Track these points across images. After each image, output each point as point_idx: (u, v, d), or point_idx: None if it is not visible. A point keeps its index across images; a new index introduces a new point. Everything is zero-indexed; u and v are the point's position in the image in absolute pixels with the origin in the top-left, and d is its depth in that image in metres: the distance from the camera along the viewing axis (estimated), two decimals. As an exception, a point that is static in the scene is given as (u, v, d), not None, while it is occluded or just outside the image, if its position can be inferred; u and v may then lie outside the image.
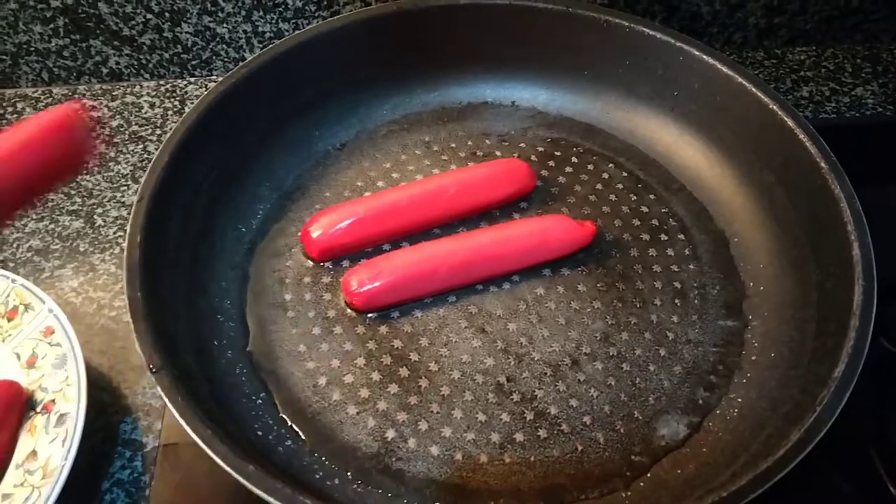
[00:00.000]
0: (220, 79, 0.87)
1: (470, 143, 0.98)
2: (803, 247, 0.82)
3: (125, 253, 0.72)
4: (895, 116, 1.15)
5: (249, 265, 0.85)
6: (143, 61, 1.15)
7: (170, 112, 1.13)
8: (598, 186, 0.94)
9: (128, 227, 0.74)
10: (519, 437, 0.75)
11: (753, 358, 0.80)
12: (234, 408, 0.73)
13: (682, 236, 0.90)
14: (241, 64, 0.88)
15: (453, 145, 0.98)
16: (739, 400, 0.77)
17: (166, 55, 1.14)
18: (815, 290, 0.79)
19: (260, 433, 0.73)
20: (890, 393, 0.83)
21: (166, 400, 0.63)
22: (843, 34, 1.24)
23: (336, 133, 0.95)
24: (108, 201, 1.02)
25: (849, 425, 0.76)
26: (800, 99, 1.17)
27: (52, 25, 1.08)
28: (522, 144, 0.98)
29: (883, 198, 0.97)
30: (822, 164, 0.81)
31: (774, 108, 0.86)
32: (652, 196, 0.94)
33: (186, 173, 0.81)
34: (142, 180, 0.77)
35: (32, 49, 1.10)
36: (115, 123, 1.11)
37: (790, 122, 0.84)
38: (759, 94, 0.87)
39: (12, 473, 0.73)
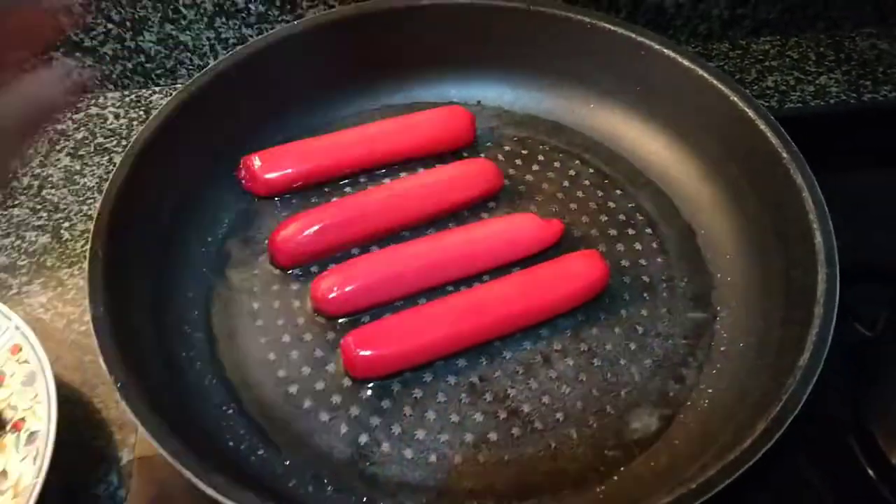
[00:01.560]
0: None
1: (436, 143, 0.98)
2: (768, 237, 0.83)
3: (87, 268, 0.71)
4: (858, 104, 1.17)
5: (216, 275, 0.85)
6: (106, 72, 1.14)
7: (135, 122, 1.12)
8: (566, 184, 0.95)
9: (88, 243, 0.73)
10: (493, 436, 0.75)
11: (723, 349, 0.80)
12: (204, 419, 0.73)
13: (649, 230, 0.90)
14: (202, 71, 0.88)
15: (419, 146, 0.98)
16: (710, 391, 0.77)
17: (129, 65, 1.14)
18: (781, 278, 0.79)
19: (231, 443, 0.72)
20: (865, 376, 0.83)
21: (131, 414, 0.63)
22: (805, 23, 1.25)
23: (300, 136, 0.93)
24: (75, 215, 1.01)
25: (825, 410, 0.78)
26: (765, 89, 1.18)
27: (10, 39, 1.07)
28: (489, 144, 0.98)
29: (850, 185, 0.97)
30: (784, 154, 0.81)
31: (735, 99, 0.86)
32: (619, 191, 0.94)
33: (148, 185, 0.80)
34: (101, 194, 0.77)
35: (-8, 63, 1.09)
36: (79, 136, 1.10)
37: (751, 114, 0.85)
38: (721, 86, 0.88)
39: (-17, 494, 0.73)
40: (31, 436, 0.75)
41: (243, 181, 0.91)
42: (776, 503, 0.77)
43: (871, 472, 0.77)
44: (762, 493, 0.75)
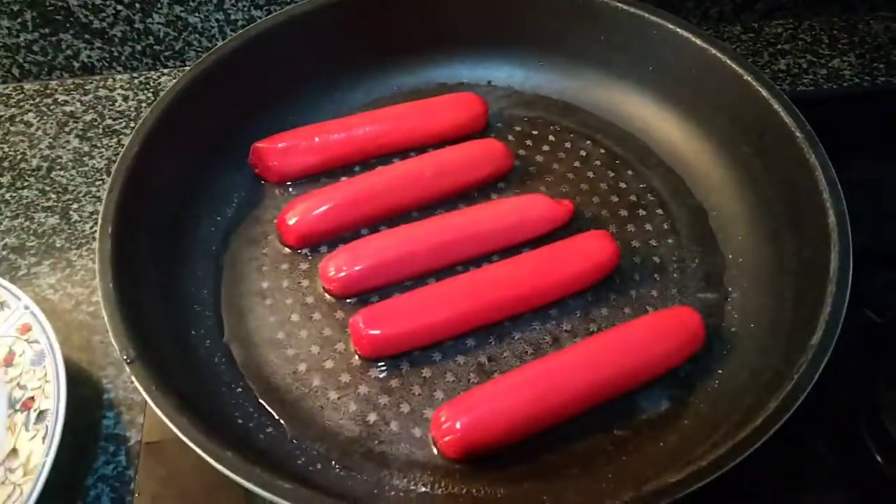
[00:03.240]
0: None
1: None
2: (780, 217, 0.82)
3: (97, 244, 0.71)
4: (872, 87, 1.16)
5: (225, 254, 0.85)
6: (115, 54, 1.14)
7: (143, 104, 1.12)
8: (576, 164, 0.94)
9: (99, 219, 0.73)
10: (501, 416, 0.75)
11: (733, 329, 0.80)
12: (214, 397, 0.73)
13: (660, 211, 0.90)
14: (210, 50, 0.87)
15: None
16: (720, 371, 0.77)
17: (138, 47, 1.14)
18: (793, 259, 0.79)
19: (240, 421, 0.72)
20: (876, 363, 0.83)
21: (142, 390, 0.63)
22: (819, 6, 1.24)
23: (311, 118, 0.93)
24: (84, 196, 1.01)
25: (836, 396, 0.76)
26: (777, 72, 1.17)
27: (19, 20, 1.07)
28: (499, 124, 0.98)
29: (862, 168, 0.96)
30: (798, 134, 0.81)
31: (749, 79, 0.86)
32: (630, 172, 0.93)
33: (158, 162, 0.80)
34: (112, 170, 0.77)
35: (1, 44, 1.09)
36: (88, 118, 1.10)
37: (765, 93, 0.84)
38: (734, 65, 0.87)
39: (-7, 472, 0.73)
40: (41, 415, 0.75)
41: (255, 169, 0.90)
42: (788, 483, 0.76)
43: (879, 457, 0.77)
44: (773, 472, 0.74)
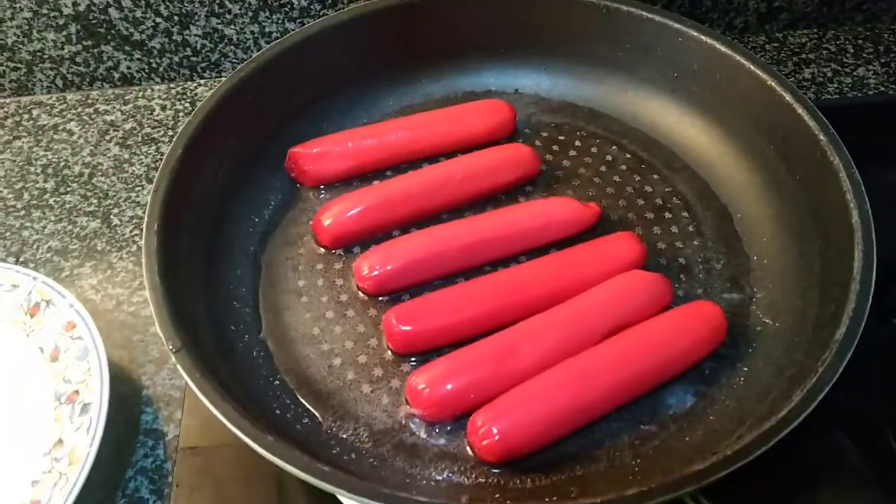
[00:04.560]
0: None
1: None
2: (805, 218, 0.83)
3: (143, 239, 0.74)
4: (898, 95, 1.16)
5: (263, 254, 0.87)
6: (154, 65, 1.17)
7: (181, 114, 1.15)
8: (602, 168, 0.96)
9: (145, 216, 0.76)
10: (530, 411, 0.76)
11: (758, 328, 0.81)
12: (252, 388, 0.75)
13: (685, 214, 0.91)
14: (249, 59, 0.90)
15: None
16: (745, 368, 0.78)
17: (176, 58, 1.17)
18: (818, 259, 0.80)
19: (278, 412, 0.75)
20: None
21: (187, 378, 0.65)
22: (843, 16, 1.25)
23: (344, 125, 0.96)
24: (124, 201, 1.04)
25: (863, 407, 0.78)
26: (802, 81, 1.18)
27: (64, 32, 1.11)
28: (527, 130, 0.99)
29: (888, 177, 0.97)
30: (821, 137, 0.82)
31: (773, 84, 0.87)
32: (655, 176, 0.95)
33: (199, 165, 0.83)
34: (157, 172, 0.80)
35: (46, 56, 1.13)
36: (127, 126, 1.13)
37: (788, 98, 0.86)
38: (758, 71, 0.88)
39: (40, 461, 0.76)
40: (85, 407, 0.78)
41: (290, 173, 0.93)
42: (814, 472, 0.77)
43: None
44: (798, 466, 0.75)
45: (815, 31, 1.25)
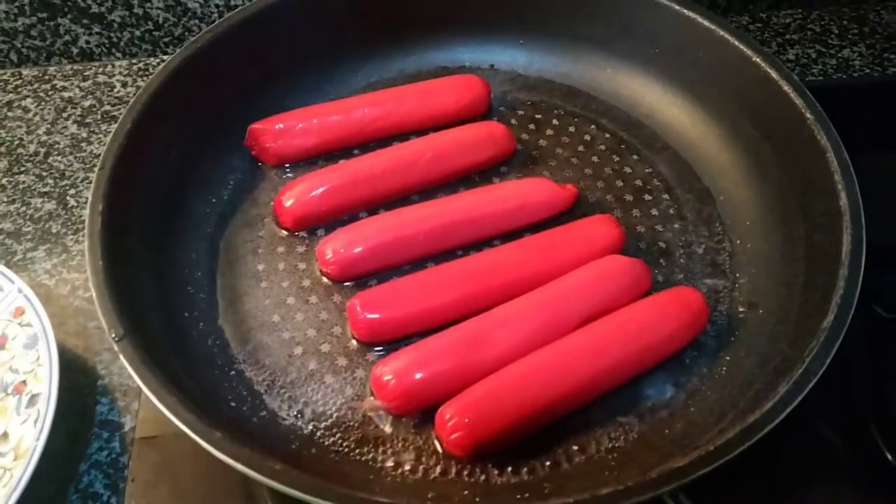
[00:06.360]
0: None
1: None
2: (790, 201, 0.81)
3: (86, 221, 0.70)
4: (883, 77, 1.14)
5: (220, 236, 0.84)
6: (114, 39, 1.13)
7: (142, 90, 1.11)
8: (580, 148, 0.93)
9: (89, 196, 0.72)
10: (502, 403, 0.73)
11: (741, 316, 0.78)
12: (207, 379, 0.72)
13: (666, 196, 0.88)
14: (205, 29, 0.86)
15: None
16: (727, 358, 0.75)
17: (137, 32, 1.13)
18: (803, 244, 0.77)
19: (234, 404, 0.71)
20: (885, 360, 0.82)
21: (129, 367, 0.62)
22: (828, -5, 1.23)
23: (309, 101, 0.92)
24: (81, 182, 1.00)
25: (845, 393, 0.77)
26: (786, 62, 1.15)
27: (17, 3, 1.06)
28: (502, 108, 0.96)
29: (873, 160, 0.94)
30: (808, 115, 0.79)
31: (758, 60, 0.84)
32: (635, 156, 0.92)
33: (151, 141, 0.79)
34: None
35: (-1, 29, 1.08)
36: (86, 104, 1.09)
37: (774, 75, 0.83)
38: (742, 46, 0.86)
39: (-18, 456, 0.72)
40: (33, 398, 0.74)
41: (251, 151, 0.89)
42: (798, 467, 0.75)
43: (888, 454, 0.75)
44: (783, 458, 0.72)
45: (800, 11, 1.23)
